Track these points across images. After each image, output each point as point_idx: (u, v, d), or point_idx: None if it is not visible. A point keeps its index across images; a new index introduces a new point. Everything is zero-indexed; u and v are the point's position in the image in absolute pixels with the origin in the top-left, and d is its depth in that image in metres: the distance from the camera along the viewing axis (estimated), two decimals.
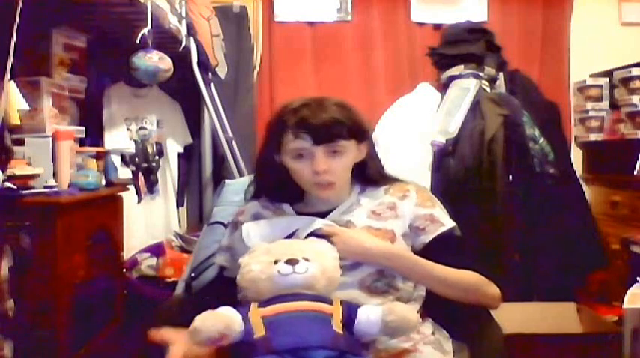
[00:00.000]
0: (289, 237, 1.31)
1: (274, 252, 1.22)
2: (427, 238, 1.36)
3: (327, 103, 1.34)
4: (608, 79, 3.38)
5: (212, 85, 3.04)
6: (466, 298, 1.32)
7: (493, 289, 1.35)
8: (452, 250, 1.36)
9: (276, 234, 1.32)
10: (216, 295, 1.32)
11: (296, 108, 1.33)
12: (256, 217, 1.42)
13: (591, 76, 3.48)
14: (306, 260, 1.19)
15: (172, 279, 2.50)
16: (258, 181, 1.49)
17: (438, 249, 1.35)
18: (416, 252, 1.35)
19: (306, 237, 1.30)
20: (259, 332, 1.10)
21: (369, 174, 1.43)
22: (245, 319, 1.13)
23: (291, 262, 1.18)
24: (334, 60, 3.43)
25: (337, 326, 1.12)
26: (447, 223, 1.38)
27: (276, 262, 1.19)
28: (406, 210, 1.38)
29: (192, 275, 1.63)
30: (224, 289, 1.34)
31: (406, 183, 1.45)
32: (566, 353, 2.24)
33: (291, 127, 1.31)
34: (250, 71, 3.38)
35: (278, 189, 1.43)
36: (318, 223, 1.32)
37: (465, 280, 1.32)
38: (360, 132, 1.37)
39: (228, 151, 2.86)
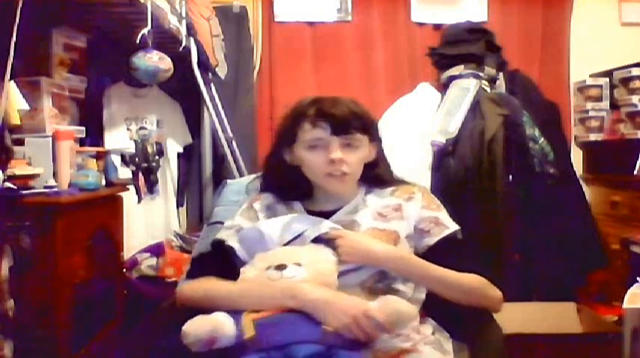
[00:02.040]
0: (297, 238, 1.31)
1: (269, 259, 1.25)
2: (431, 240, 1.36)
3: (341, 99, 1.37)
4: (608, 79, 3.38)
5: (212, 84, 3.04)
6: (468, 300, 1.32)
7: (495, 292, 1.34)
8: (455, 253, 1.36)
9: (284, 234, 1.31)
10: (214, 270, 1.33)
11: (313, 101, 1.37)
12: (269, 208, 1.43)
13: (591, 76, 3.48)
14: (298, 265, 1.21)
15: (172, 279, 2.50)
16: (267, 178, 1.49)
17: (442, 252, 1.35)
18: (419, 254, 1.35)
19: (314, 240, 1.30)
20: (249, 333, 1.13)
21: (378, 175, 1.44)
22: (237, 322, 1.15)
23: (280, 268, 1.21)
24: (334, 60, 3.43)
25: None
26: (452, 226, 1.39)
27: (268, 268, 1.22)
28: (411, 212, 1.38)
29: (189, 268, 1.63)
30: (220, 263, 1.36)
31: (412, 186, 1.45)
32: (566, 353, 2.24)
33: (310, 117, 1.34)
34: (250, 71, 3.38)
35: (286, 187, 1.43)
36: (325, 226, 1.32)
37: (468, 283, 1.32)
38: (373, 130, 1.39)
39: (228, 151, 2.86)
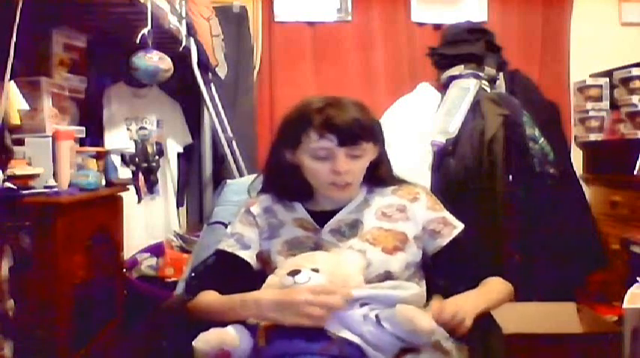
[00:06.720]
0: None
1: (289, 264, 1.24)
2: (444, 241, 1.38)
3: (345, 102, 1.33)
4: (608, 79, 3.38)
5: (212, 84, 3.04)
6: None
7: (509, 284, 1.38)
8: (465, 252, 1.39)
9: None
10: (219, 282, 1.35)
11: (321, 108, 1.31)
12: (267, 211, 1.43)
13: (591, 76, 3.48)
14: (315, 270, 1.19)
15: (172, 279, 2.50)
16: (267, 178, 1.49)
17: (452, 251, 1.37)
18: (428, 255, 1.38)
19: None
20: (261, 342, 1.13)
21: (380, 175, 1.43)
22: (254, 333, 1.16)
23: (293, 273, 1.19)
24: (334, 60, 3.43)
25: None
26: (458, 225, 1.41)
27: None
28: (417, 213, 1.39)
29: (192, 275, 1.63)
30: (224, 274, 1.38)
31: (414, 186, 1.46)
32: (566, 353, 2.23)
33: (316, 127, 1.30)
34: (250, 71, 3.38)
35: (287, 186, 1.43)
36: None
37: (498, 287, 1.36)
38: (377, 134, 1.38)
39: (228, 151, 2.87)
